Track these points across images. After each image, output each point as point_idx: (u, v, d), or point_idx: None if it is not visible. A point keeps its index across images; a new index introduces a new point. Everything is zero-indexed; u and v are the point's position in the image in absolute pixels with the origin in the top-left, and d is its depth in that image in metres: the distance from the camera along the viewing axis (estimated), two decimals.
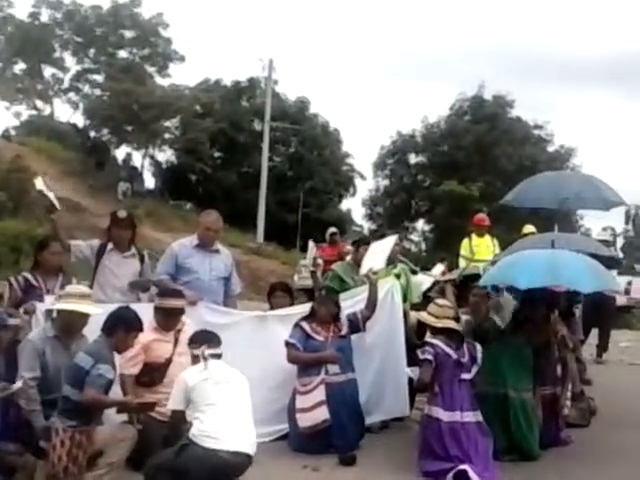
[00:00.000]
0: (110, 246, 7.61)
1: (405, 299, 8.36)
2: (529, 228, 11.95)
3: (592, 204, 9.15)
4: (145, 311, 6.47)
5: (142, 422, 5.99)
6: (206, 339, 5.82)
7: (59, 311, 6.05)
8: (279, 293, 8.19)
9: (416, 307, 8.14)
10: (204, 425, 5.42)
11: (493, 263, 8.20)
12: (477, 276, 7.74)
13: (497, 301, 7.16)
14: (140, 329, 5.95)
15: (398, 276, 8.43)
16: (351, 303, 7.70)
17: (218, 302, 7.60)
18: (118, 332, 5.83)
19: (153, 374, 6.33)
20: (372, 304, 7.55)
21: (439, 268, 11.30)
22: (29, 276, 7.21)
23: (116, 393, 6.07)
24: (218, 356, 5.77)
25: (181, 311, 6.56)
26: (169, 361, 6.31)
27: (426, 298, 8.32)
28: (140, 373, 6.33)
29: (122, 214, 7.74)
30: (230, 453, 5.38)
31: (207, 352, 5.70)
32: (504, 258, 7.62)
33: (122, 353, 6.01)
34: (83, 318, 6.02)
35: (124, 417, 6.02)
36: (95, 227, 18.38)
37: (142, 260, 7.75)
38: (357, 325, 7.48)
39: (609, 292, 6.98)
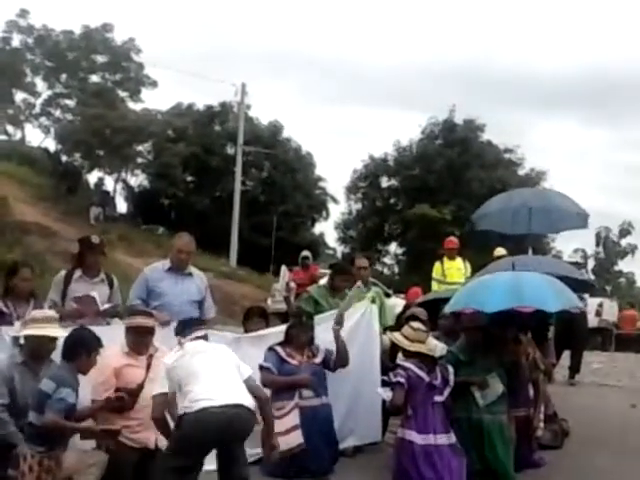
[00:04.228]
0: (78, 273, 7.52)
1: (379, 322, 8.36)
2: (500, 251, 12.05)
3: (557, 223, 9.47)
4: (116, 334, 6.43)
5: (112, 448, 5.91)
6: (186, 325, 5.94)
7: (26, 337, 5.97)
8: (256, 319, 8.06)
9: (390, 328, 8.15)
10: (191, 393, 5.32)
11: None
12: (448, 299, 7.75)
13: (484, 379, 6.99)
14: (100, 345, 5.89)
15: (373, 300, 8.44)
16: (325, 327, 7.68)
17: None
18: (80, 356, 5.77)
19: (125, 400, 6.26)
20: (342, 357, 7.51)
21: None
22: None
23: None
24: (201, 337, 5.82)
25: (151, 330, 6.43)
26: (141, 387, 6.24)
27: (399, 321, 8.33)
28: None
29: (96, 239, 7.67)
30: (223, 406, 5.26)
31: (186, 337, 5.76)
32: (467, 283, 7.67)
33: (87, 373, 5.92)
34: (51, 342, 5.95)
35: (93, 442, 5.96)
36: (67, 252, 18.21)
37: (111, 285, 7.68)
38: (329, 363, 7.45)
39: (574, 309, 7.00)
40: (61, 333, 5.97)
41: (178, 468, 5.29)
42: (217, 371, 5.51)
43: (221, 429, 5.26)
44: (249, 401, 5.45)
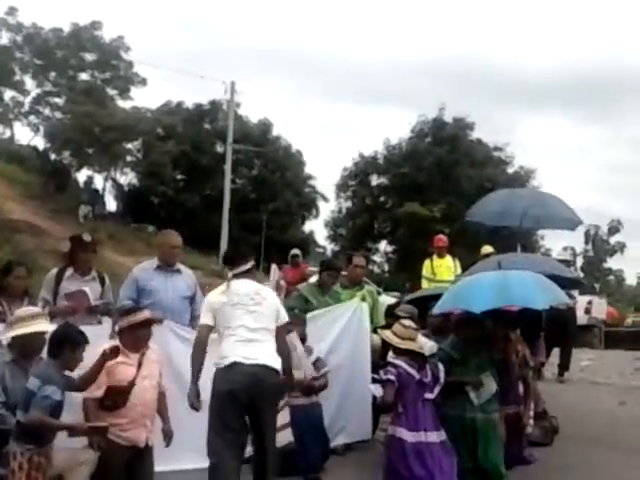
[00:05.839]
0: (70, 271, 7.52)
1: (372, 321, 8.36)
2: (487, 249, 12.08)
3: (547, 223, 9.50)
4: (108, 332, 6.42)
5: (103, 447, 5.89)
6: (234, 258, 6.26)
7: (14, 336, 5.94)
8: None
9: (380, 327, 8.15)
10: (220, 350, 5.87)
11: (455, 283, 8.26)
12: (439, 296, 7.74)
13: (479, 379, 6.92)
14: (86, 341, 5.84)
15: (363, 298, 8.44)
16: (314, 326, 7.68)
17: (183, 322, 7.42)
18: (65, 352, 5.73)
19: (116, 398, 6.23)
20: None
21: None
22: None
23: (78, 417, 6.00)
24: (247, 272, 6.14)
25: (149, 323, 6.32)
26: (132, 384, 6.23)
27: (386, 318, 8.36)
28: (103, 397, 6.24)
29: (88, 237, 7.67)
30: (252, 365, 5.74)
31: (230, 273, 6.15)
32: (455, 284, 7.68)
33: (73, 370, 5.88)
34: (40, 338, 5.91)
35: (84, 440, 5.94)
36: (56, 250, 18.18)
37: (102, 283, 7.68)
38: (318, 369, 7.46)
39: (561, 305, 7.05)
40: (48, 327, 5.93)
41: (221, 425, 5.77)
42: (252, 329, 5.90)
43: (249, 385, 5.70)
44: (277, 363, 5.89)
